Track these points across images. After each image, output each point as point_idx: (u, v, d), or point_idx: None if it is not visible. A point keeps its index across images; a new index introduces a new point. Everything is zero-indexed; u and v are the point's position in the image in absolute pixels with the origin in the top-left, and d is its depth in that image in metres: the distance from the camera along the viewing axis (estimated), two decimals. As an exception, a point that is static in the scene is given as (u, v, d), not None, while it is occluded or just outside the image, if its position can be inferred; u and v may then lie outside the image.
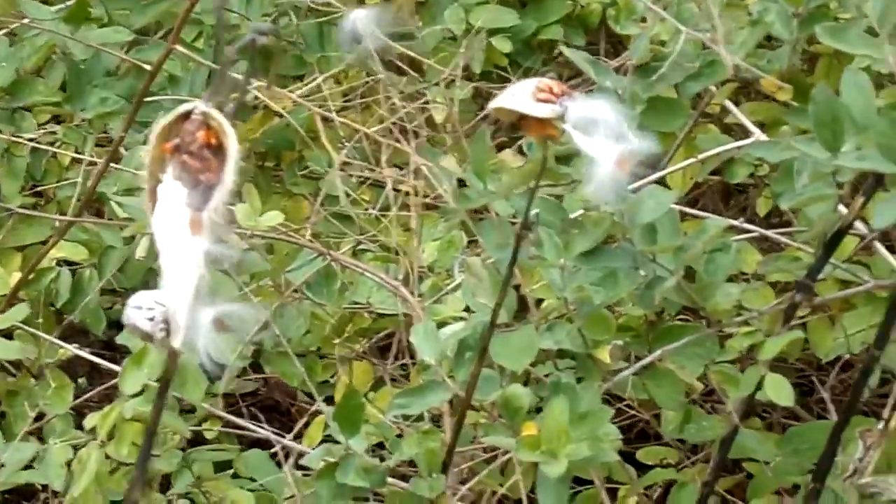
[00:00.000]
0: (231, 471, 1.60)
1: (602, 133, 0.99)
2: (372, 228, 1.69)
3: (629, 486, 1.51)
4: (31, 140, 1.81)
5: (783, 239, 1.47)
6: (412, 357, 1.57)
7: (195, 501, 1.54)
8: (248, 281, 1.61)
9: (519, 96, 1.03)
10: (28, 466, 1.53)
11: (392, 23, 1.02)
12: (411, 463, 1.24)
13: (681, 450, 1.61)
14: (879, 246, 1.47)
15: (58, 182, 1.83)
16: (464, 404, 1.18)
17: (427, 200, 1.66)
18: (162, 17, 1.89)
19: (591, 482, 1.50)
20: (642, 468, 1.58)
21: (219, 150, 0.90)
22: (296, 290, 1.58)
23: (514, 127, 1.08)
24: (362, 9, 1.21)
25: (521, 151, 1.67)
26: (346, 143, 1.74)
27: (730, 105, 1.59)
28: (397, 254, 1.61)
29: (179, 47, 1.38)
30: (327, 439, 1.55)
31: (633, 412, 1.63)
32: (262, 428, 1.69)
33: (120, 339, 1.55)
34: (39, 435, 1.62)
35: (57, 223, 1.72)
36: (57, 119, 1.86)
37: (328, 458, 1.17)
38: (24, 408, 1.59)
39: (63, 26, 1.78)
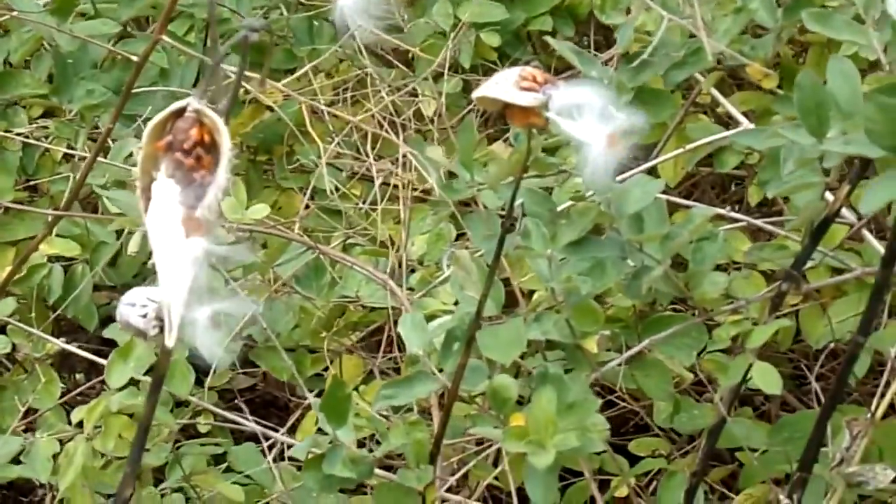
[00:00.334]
0: (224, 464, 1.60)
1: (588, 117, 0.99)
2: (362, 222, 1.69)
3: (620, 477, 1.51)
4: (23, 135, 1.81)
5: (772, 227, 1.47)
6: (402, 350, 1.57)
7: (189, 495, 1.54)
8: (241, 276, 1.61)
9: (502, 85, 1.03)
10: (18, 462, 1.54)
11: (381, 14, 1.01)
12: (401, 455, 1.24)
13: (674, 441, 1.62)
14: (868, 234, 1.47)
15: (51, 177, 1.83)
16: (451, 395, 1.17)
17: (417, 193, 1.66)
18: (150, 11, 1.88)
19: (582, 474, 1.51)
20: (635, 460, 1.58)
21: (212, 147, 0.89)
22: (284, 284, 1.58)
23: (503, 117, 1.08)
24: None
25: (511, 144, 1.67)
26: (336, 137, 1.74)
27: (717, 94, 1.59)
28: (387, 247, 1.61)
29: (168, 39, 1.37)
30: (321, 433, 1.56)
31: (625, 404, 1.63)
32: (255, 422, 1.69)
33: (107, 333, 1.55)
34: (33, 429, 1.62)
35: (50, 218, 1.72)
36: (49, 114, 1.86)
37: (315, 449, 1.17)
38: (14, 402, 1.59)
39: (50, 18, 1.78)
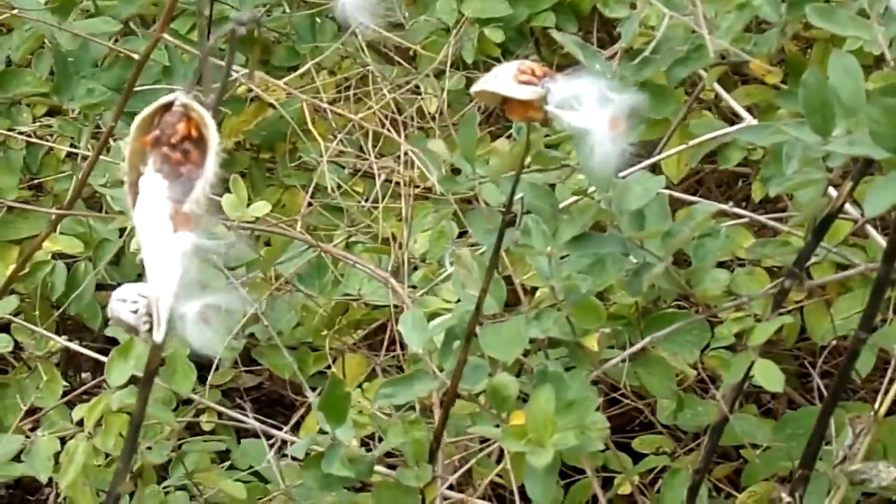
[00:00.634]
0: (228, 462, 1.60)
1: (587, 105, 0.98)
2: (365, 219, 1.69)
3: (624, 476, 1.51)
4: (27, 134, 1.81)
5: (775, 224, 1.46)
6: (404, 348, 1.57)
7: (192, 493, 1.54)
8: (243, 273, 1.61)
9: (501, 79, 1.02)
10: (21, 460, 1.53)
11: (382, 11, 1.01)
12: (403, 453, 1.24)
13: (678, 438, 1.61)
14: (871, 229, 1.46)
15: (55, 175, 1.83)
16: (450, 393, 1.17)
17: (418, 191, 1.65)
18: (152, 9, 1.88)
19: (584, 472, 1.50)
20: (640, 458, 1.57)
21: (199, 141, 0.89)
22: (286, 283, 1.58)
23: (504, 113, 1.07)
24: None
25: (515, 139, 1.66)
26: (339, 134, 1.74)
27: (720, 90, 1.58)
28: (389, 244, 1.61)
29: (170, 38, 1.37)
30: (323, 432, 1.55)
31: (629, 402, 1.62)
32: (258, 420, 1.69)
33: (110, 331, 1.55)
34: (38, 428, 1.62)
35: (53, 216, 1.72)
36: (53, 112, 1.86)
37: (315, 447, 1.16)
38: (16, 400, 1.59)
39: (51, 17, 1.78)
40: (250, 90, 1.77)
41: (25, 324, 1.64)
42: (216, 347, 0.88)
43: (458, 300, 1.34)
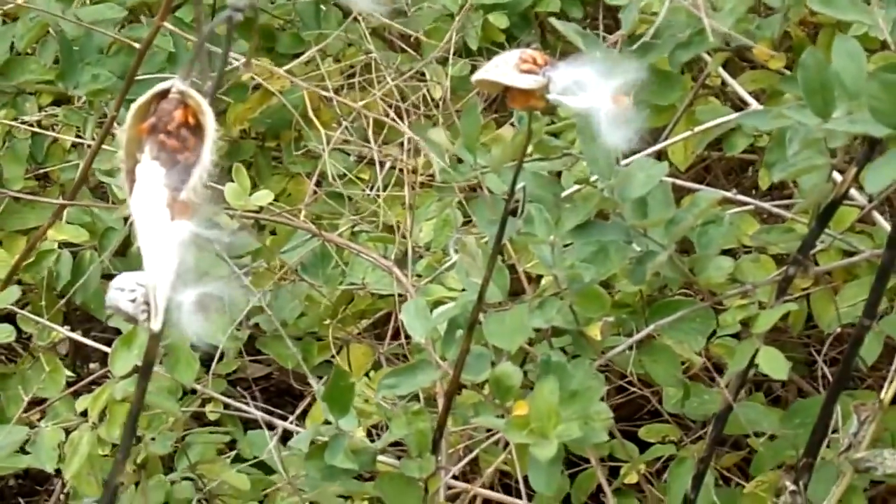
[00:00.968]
0: (234, 452, 1.60)
1: (589, 86, 0.97)
2: (370, 206, 1.68)
3: (630, 465, 1.50)
4: (32, 123, 1.81)
5: (780, 211, 1.45)
6: (408, 338, 1.56)
7: (198, 486, 1.54)
8: (247, 263, 1.60)
9: (502, 68, 1.01)
10: (26, 452, 1.53)
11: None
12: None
13: (686, 427, 1.60)
14: (878, 216, 1.45)
15: (60, 164, 1.82)
16: (452, 383, 1.16)
17: (423, 179, 1.65)
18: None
19: (590, 461, 1.50)
20: (646, 447, 1.57)
21: (197, 128, 0.88)
22: (291, 272, 1.57)
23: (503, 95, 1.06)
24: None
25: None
26: (344, 121, 1.73)
27: (725, 75, 1.57)
28: (393, 232, 1.60)
29: (171, 26, 1.36)
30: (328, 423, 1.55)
31: (636, 390, 1.61)
32: (263, 410, 1.68)
33: (113, 322, 1.55)
34: (42, 418, 1.62)
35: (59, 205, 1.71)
36: (58, 101, 1.86)
37: (319, 437, 1.16)
38: (18, 391, 1.59)
39: (55, 5, 1.78)
40: (254, 77, 1.76)
41: (30, 315, 1.64)
42: (213, 336, 0.87)
43: (463, 289, 1.33)
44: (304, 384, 1.77)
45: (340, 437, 1.14)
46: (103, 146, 1.58)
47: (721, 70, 1.57)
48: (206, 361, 1.57)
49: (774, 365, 1.20)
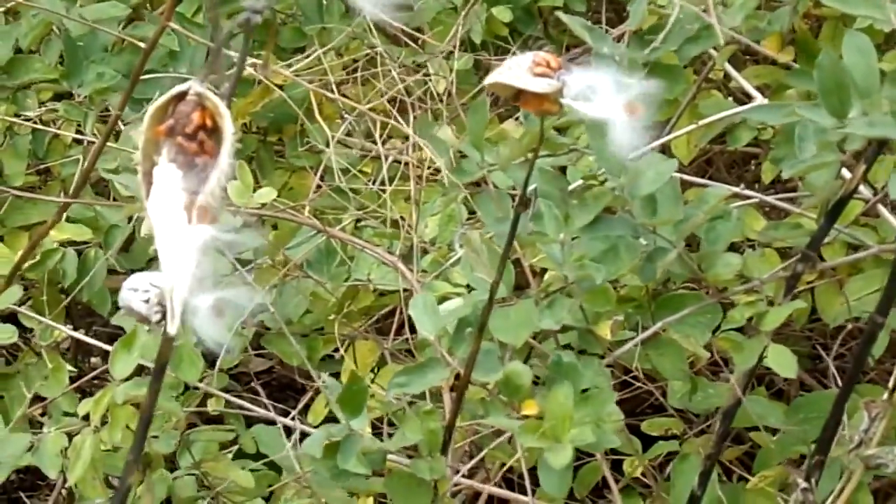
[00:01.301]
0: (236, 447, 1.59)
1: (602, 94, 0.97)
2: (372, 203, 1.68)
3: (633, 458, 1.50)
4: (32, 119, 1.80)
5: (786, 205, 1.45)
6: (413, 332, 1.56)
7: (202, 483, 1.54)
8: (250, 259, 1.60)
9: (516, 71, 1.01)
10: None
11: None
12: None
13: (689, 421, 1.60)
14: (883, 209, 1.45)
15: (61, 160, 1.82)
16: (462, 383, 1.16)
17: (427, 173, 1.65)
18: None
19: (593, 454, 1.49)
20: (647, 439, 1.57)
21: (214, 131, 0.88)
22: (295, 268, 1.57)
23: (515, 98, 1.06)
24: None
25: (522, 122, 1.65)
26: (348, 116, 1.73)
27: (730, 69, 1.57)
28: (397, 227, 1.60)
29: (176, 25, 1.36)
30: (331, 416, 1.55)
31: (640, 385, 1.61)
32: (265, 405, 1.68)
33: (115, 320, 1.54)
34: (45, 413, 1.62)
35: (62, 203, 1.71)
36: (59, 97, 1.85)
37: (331, 437, 1.15)
38: (21, 390, 1.59)
39: (59, 3, 1.77)
40: (255, 71, 1.76)
41: (33, 314, 1.64)
42: (228, 340, 0.87)
43: (468, 285, 1.33)
44: (306, 378, 1.78)
45: (353, 439, 1.13)
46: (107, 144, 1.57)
47: (726, 64, 1.57)
48: (206, 356, 1.57)
49: (783, 362, 1.20)
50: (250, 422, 1.71)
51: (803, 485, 1.24)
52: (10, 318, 1.70)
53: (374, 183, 1.70)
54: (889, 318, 1.33)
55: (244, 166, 1.55)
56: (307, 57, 1.75)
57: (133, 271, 1.78)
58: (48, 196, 1.77)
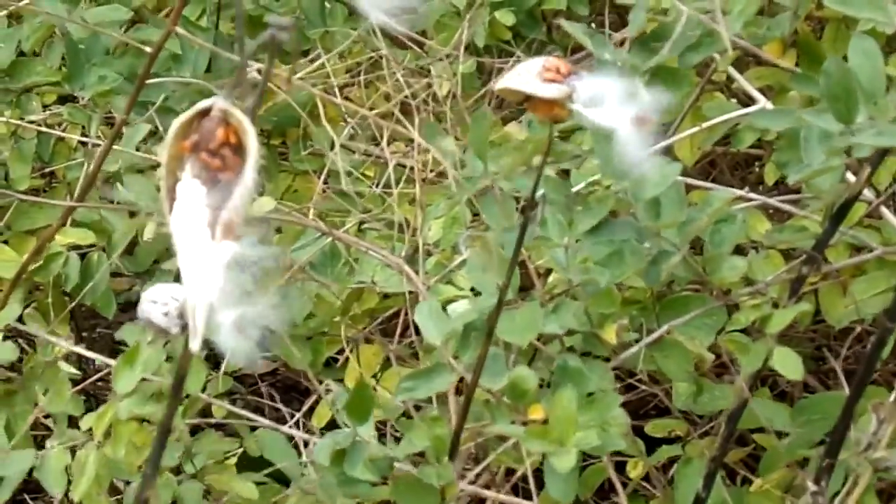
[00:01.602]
0: (241, 449, 1.59)
1: (611, 103, 0.97)
2: (375, 206, 1.68)
3: (637, 459, 1.50)
4: (37, 122, 1.80)
5: (790, 208, 1.46)
6: (418, 333, 1.56)
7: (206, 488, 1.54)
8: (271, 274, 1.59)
9: (525, 76, 1.01)
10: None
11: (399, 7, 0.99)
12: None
13: (693, 422, 1.60)
14: (886, 210, 1.46)
15: (67, 163, 1.82)
16: (470, 389, 1.16)
17: (431, 176, 1.65)
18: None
19: (598, 456, 1.50)
20: (651, 441, 1.57)
21: (238, 148, 0.88)
22: (301, 270, 1.57)
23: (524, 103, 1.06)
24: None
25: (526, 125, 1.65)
26: (350, 119, 1.73)
27: (733, 71, 1.57)
28: (402, 230, 1.60)
29: (180, 29, 1.36)
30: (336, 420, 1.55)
31: (644, 387, 1.62)
32: (271, 407, 1.69)
33: (120, 335, 1.52)
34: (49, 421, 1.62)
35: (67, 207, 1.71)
36: (63, 100, 1.85)
37: (338, 445, 1.15)
38: (25, 407, 1.58)
39: (61, 6, 1.77)
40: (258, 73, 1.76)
41: (32, 332, 1.63)
42: (252, 357, 0.87)
43: (472, 288, 1.33)
44: (310, 381, 1.78)
45: (360, 447, 1.13)
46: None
47: (729, 67, 1.57)
48: (209, 357, 1.57)
49: (789, 365, 1.20)
50: (255, 425, 1.72)
51: (813, 488, 1.24)
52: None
53: (377, 186, 1.70)
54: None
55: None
56: (311, 61, 1.76)
57: (137, 274, 1.79)
58: (53, 200, 1.77)
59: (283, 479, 1.52)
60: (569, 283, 1.21)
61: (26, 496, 1.89)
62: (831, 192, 1.19)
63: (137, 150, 1.69)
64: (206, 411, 1.63)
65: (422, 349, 1.54)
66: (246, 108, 0.85)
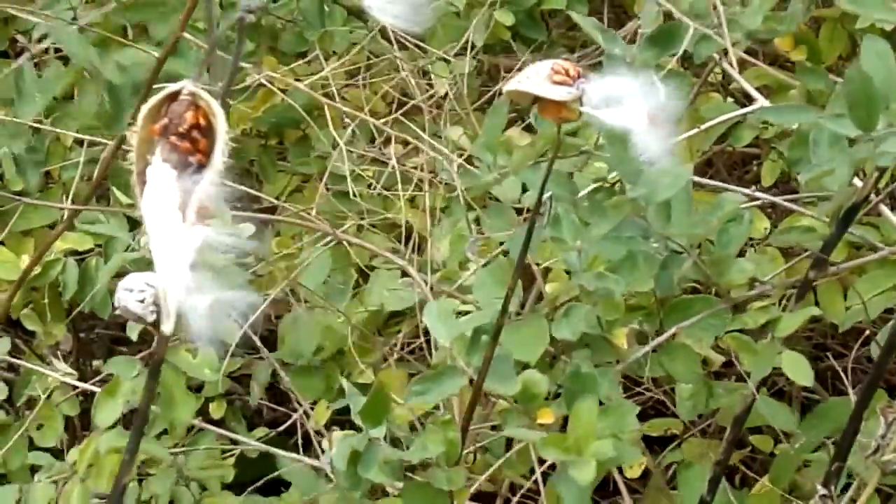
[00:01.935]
0: (239, 449, 1.59)
1: (625, 103, 0.97)
2: (375, 206, 1.68)
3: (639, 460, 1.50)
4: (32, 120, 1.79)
5: (794, 206, 1.45)
6: (428, 338, 1.55)
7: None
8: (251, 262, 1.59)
9: (534, 79, 1.01)
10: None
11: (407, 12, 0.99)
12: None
13: (692, 422, 1.60)
14: (885, 208, 1.46)
15: (62, 163, 1.80)
16: (475, 393, 1.15)
17: (430, 177, 1.64)
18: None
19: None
20: (648, 440, 1.57)
21: (208, 130, 0.88)
22: (307, 301, 1.56)
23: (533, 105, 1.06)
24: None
25: (527, 129, 1.65)
26: (351, 122, 1.72)
27: (732, 71, 1.57)
28: (399, 228, 1.60)
29: (186, 34, 1.37)
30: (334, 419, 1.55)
31: (643, 388, 1.62)
32: (270, 409, 1.68)
33: (107, 368, 1.50)
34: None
35: (66, 212, 1.69)
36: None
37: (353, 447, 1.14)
38: (18, 442, 1.58)
39: (92, 49, 1.73)
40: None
41: (24, 363, 1.63)
42: (225, 342, 0.87)
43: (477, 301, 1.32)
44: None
45: (374, 449, 1.12)
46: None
47: (728, 67, 1.57)
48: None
49: (799, 371, 1.20)
50: (251, 423, 1.71)
51: (822, 491, 1.24)
52: (11, 324, 1.70)
53: (376, 187, 1.70)
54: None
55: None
56: (309, 62, 1.75)
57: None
58: (49, 201, 1.76)
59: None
60: (580, 288, 1.20)
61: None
62: (840, 194, 1.19)
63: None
64: (204, 411, 1.63)
65: (435, 357, 1.53)
66: (216, 91, 0.85)
